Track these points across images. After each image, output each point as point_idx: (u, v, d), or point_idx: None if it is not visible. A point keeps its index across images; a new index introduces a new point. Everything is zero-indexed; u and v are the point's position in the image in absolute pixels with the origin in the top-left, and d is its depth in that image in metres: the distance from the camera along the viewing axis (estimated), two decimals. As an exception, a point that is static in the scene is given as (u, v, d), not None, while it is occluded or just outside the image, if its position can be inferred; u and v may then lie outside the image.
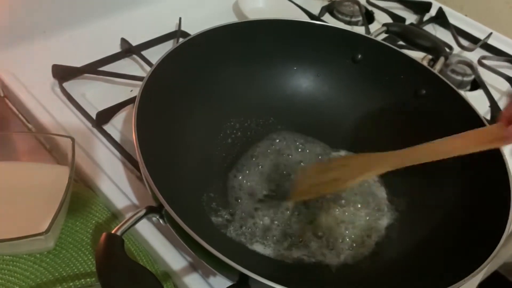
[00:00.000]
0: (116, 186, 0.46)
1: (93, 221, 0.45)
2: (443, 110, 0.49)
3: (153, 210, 0.33)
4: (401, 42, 0.64)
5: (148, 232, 0.42)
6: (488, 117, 0.62)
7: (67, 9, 0.60)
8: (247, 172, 0.48)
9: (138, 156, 0.34)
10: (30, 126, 0.54)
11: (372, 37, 0.53)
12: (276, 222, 0.44)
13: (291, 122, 0.53)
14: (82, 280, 0.41)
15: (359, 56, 0.52)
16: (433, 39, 0.58)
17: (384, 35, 0.60)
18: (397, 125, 0.51)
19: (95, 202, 0.46)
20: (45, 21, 0.59)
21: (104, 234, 0.29)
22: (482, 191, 0.41)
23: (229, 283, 0.32)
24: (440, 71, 0.68)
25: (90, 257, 0.42)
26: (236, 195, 0.46)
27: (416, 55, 0.67)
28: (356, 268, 0.41)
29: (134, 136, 0.36)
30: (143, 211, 0.33)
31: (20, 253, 0.41)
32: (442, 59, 0.54)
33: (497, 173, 0.41)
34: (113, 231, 0.30)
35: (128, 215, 0.33)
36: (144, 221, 0.42)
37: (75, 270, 0.41)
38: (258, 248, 0.42)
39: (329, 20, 0.77)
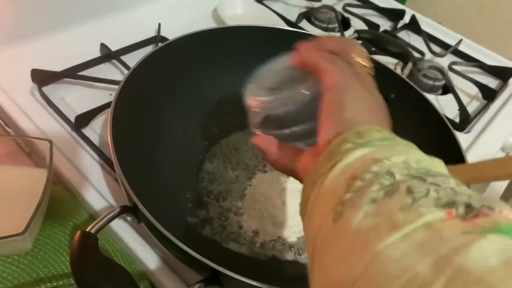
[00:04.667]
0: (95, 188, 0.47)
1: (71, 223, 0.45)
2: (411, 113, 0.51)
3: (128, 209, 0.35)
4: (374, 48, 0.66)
5: (125, 231, 0.43)
6: (457, 120, 0.65)
7: (47, 14, 0.61)
8: (223, 173, 0.49)
9: (112, 157, 0.36)
10: (9, 130, 0.55)
11: (344, 43, 0.55)
12: (251, 221, 0.46)
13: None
14: (60, 281, 0.41)
15: (332, 61, 0.54)
16: (401, 45, 0.60)
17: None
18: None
19: (74, 204, 0.47)
20: (25, 25, 0.60)
21: (79, 232, 0.30)
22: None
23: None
24: (412, 76, 0.71)
25: (68, 258, 0.43)
26: (212, 196, 0.47)
27: (392, 61, 0.70)
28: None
29: (109, 138, 0.37)
30: (117, 210, 0.34)
31: (-2, 255, 0.42)
32: (410, 64, 0.56)
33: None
34: (87, 229, 0.31)
35: (103, 214, 0.34)
36: (120, 221, 0.43)
37: (53, 271, 0.42)
38: (233, 246, 0.43)
39: (306, 27, 0.79)
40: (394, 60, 0.70)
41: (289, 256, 0.43)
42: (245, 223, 0.45)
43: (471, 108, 0.69)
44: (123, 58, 0.61)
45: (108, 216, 0.33)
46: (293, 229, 0.46)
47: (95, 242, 0.30)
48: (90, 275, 0.28)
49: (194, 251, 0.31)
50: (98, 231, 0.32)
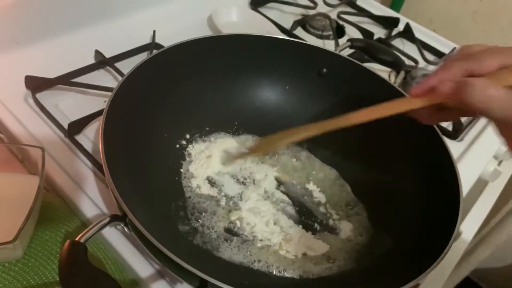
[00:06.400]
0: (87, 195, 0.47)
1: (63, 230, 0.45)
2: (400, 120, 0.51)
3: (118, 218, 0.35)
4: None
5: (116, 240, 0.43)
6: (450, 128, 0.65)
7: (41, 21, 0.61)
8: (215, 181, 0.49)
9: (103, 165, 0.36)
10: (2, 136, 0.55)
11: (336, 52, 0.55)
12: (243, 230, 0.46)
13: (260, 132, 0.55)
14: (51, 288, 0.41)
15: (324, 70, 0.55)
16: (394, 54, 0.61)
17: (350, 50, 0.62)
18: (359, 133, 0.53)
19: (66, 211, 0.47)
20: (20, 32, 0.60)
21: (67, 242, 0.30)
22: (436, 197, 0.44)
23: (193, 290, 0.33)
24: (406, 84, 0.71)
25: (59, 266, 0.43)
26: (204, 204, 0.47)
27: (385, 69, 0.70)
28: (317, 279, 0.43)
29: (100, 145, 0.37)
30: (107, 219, 0.34)
31: (-11, 262, 0.42)
32: (402, 73, 0.56)
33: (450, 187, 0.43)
34: (76, 239, 0.31)
35: (92, 223, 0.34)
36: (112, 229, 0.43)
37: (44, 279, 0.42)
38: (225, 255, 0.43)
39: (301, 34, 0.79)
40: (387, 69, 0.70)
41: (281, 268, 0.43)
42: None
43: (463, 115, 0.69)
44: (118, 65, 0.61)
45: (98, 225, 0.33)
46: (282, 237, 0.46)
47: (84, 252, 0.30)
48: (78, 286, 0.28)
49: (183, 260, 0.31)
50: (87, 240, 0.32)
